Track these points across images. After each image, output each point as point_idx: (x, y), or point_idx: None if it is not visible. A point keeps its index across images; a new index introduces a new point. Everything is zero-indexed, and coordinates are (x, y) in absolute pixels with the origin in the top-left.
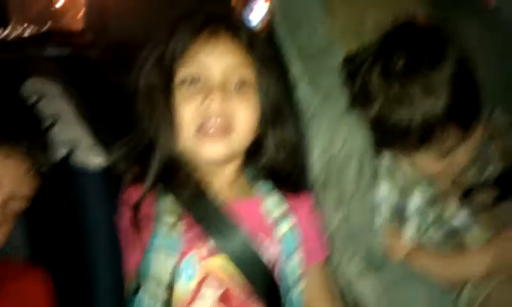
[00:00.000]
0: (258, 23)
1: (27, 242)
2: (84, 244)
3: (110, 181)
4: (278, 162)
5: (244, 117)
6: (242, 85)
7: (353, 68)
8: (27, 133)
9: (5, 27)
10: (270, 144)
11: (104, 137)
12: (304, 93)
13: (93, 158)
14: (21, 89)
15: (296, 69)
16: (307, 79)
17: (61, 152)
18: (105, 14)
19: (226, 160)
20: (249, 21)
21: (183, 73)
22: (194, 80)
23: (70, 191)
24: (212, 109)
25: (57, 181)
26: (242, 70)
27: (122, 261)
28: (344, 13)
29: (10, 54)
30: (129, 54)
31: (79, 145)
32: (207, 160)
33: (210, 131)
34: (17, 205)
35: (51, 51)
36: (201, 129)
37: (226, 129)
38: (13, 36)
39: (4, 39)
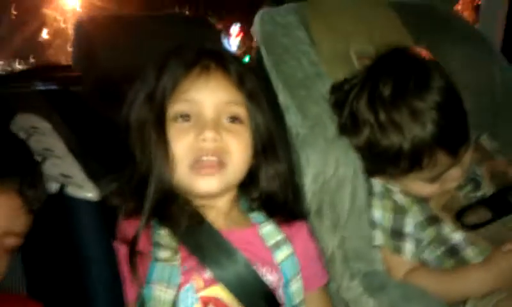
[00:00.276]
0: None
1: (23, 278)
2: (81, 278)
3: (104, 214)
4: (272, 193)
5: (237, 151)
6: (234, 119)
7: (341, 96)
8: (20, 169)
9: None
10: (263, 175)
11: (95, 171)
12: (293, 121)
13: (85, 192)
14: (10, 124)
15: (284, 98)
16: (295, 108)
17: (54, 187)
18: (94, 48)
19: (221, 193)
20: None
21: (174, 109)
22: (186, 116)
23: (63, 226)
24: (205, 148)
25: (50, 216)
26: (234, 105)
27: (122, 294)
28: (328, 43)
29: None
30: (119, 89)
31: (71, 179)
32: (201, 194)
33: (204, 167)
34: (12, 242)
35: (40, 86)
36: (194, 165)
37: (219, 164)
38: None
39: None
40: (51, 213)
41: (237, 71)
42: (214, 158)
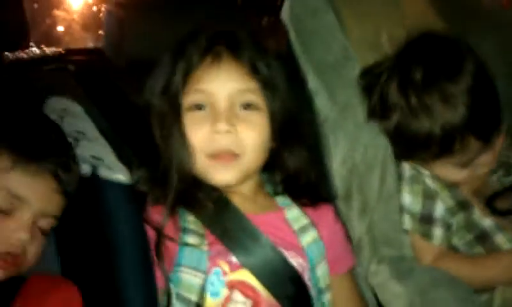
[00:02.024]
0: None
1: (57, 260)
2: (114, 259)
3: (135, 196)
4: (295, 175)
5: (252, 140)
6: (248, 107)
7: (370, 80)
8: (54, 152)
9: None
10: (285, 158)
11: (126, 154)
12: (323, 105)
13: (116, 174)
14: (43, 107)
15: (313, 82)
16: (325, 92)
17: (86, 169)
18: (124, 32)
19: (241, 181)
20: None
21: (189, 100)
22: (200, 107)
23: (96, 207)
24: (219, 140)
25: (83, 198)
26: (247, 93)
27: (153, 275)
28: (358, 28)
29: (32, 73)
30: (149, 73)
31: (103, 162)
32: (220, 184)
33: (220, 159)
34: (46, 223)
35: (71, 69)
36: (210, 156)
37: (234, 156)
38: (33, 55)
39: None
40: (84, 195)
41: (251, 57)
42: (228, 150)
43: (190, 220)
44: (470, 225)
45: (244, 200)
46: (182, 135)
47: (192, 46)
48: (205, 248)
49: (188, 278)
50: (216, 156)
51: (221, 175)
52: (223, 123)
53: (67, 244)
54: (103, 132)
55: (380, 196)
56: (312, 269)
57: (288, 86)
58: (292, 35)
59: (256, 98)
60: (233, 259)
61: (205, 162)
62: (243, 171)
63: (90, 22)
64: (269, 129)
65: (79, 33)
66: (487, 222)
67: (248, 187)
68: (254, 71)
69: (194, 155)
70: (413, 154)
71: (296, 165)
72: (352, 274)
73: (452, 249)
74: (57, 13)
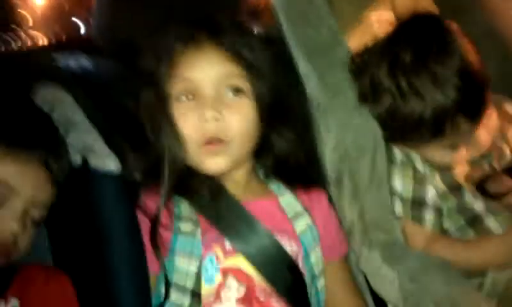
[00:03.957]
0: None
1: (49, 249)
2: (105, 249)
3: (126, 186)
4: (285, 158)
5: (239, 126)
6: (236, 92)
7: (361, 64)
8: (44, 141)
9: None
10: (274, 142)
11: (117, 143)
12: (313, 89)
13: (107, 164)
14: (34, 97)
15: (303, 66)
16: (315, 76)
17: (76, 159)
18: (115, 18)
19: (232, 168)
20: None
21: (175, 90)
22: (187, 96)
23: (87, 197)
24: (208, 128)
25: (74, 188)
26: (232, 77)
27: (145, 266)
28: (348, 9)
29: (22, 63)
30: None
31: (94, 152)
32: (211, 172)
33: (209, 146)
34: (37, 213)
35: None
36: (200, 144)
37: (223, 143)
38: (23, 45)
39: (16, 50)
40: (74, 185)
41: (233, 42)
42: (216, 137)
43: (184, 208)
44: (461, 209)
45: (238, 187)
46: (172, 126)
47: (174, 35)
48: (199, 235)
49: (183, 265)
50: (205, 144)
51: (211, 163)
52: (210, 110)
53: (58, 234)
54: (93, 122)
55: (371, 181)
56: (306, 255)
57: (276, 69)
58: (281, 18)
59: (242, 82)
60: (227, 245)
61: (196, 151)
62: (233, 156)
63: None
64: (256, 113)
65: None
66: (478, 205)
67: (240, 174)
68: (237, 56)
69: (186, 144)
70: (404, 137)
71: (285, 149)
72: (346, 259)
73: (443, 233)
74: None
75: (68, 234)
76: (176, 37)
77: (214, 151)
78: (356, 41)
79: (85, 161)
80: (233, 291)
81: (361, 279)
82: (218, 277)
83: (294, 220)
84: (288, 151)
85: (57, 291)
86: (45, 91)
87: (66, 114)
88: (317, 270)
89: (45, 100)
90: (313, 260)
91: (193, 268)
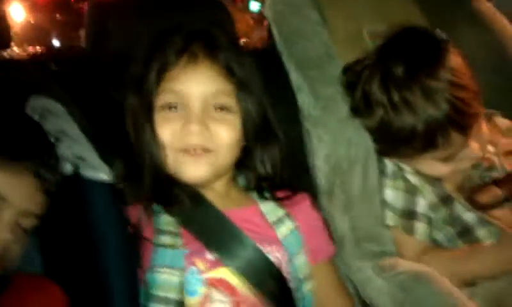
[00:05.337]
0: None
1: (40, 259)
2: (97, 258)
3: (117, 195)
4: (266, 176)
5: (225, 139)
6: (221, 108)
7: (353, 77)
8: (35, 151)
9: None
10: (256, 159)
11: (107, 153)
12: (305, 101)
13: (99, 173)
14: (24, 107)
15: (296, 79)
16: (307, 89)
17: (67, 168)
18: (107, 28)
19: (213, 178)
20: None
21: (162, 99)
22: (173, 107)
23: (78, 206)
24: (190, 141)
25: (65, 197)
26: (221, 95)
27: (136, 274)
28: (340, 23)
29: (12, 73)
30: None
31: (85, 161)
32: (192, 180)
33: (191, 154)
34: (28, 223)
35: (53, 68)
36: (181, 151)
37: (207, 150)
38: (15, 55)
39: (7, 59)
40: (66, 194)
41: (227, 58)
42: (200, 145)
43: (165, 221)
44: (452, 220)
45: (218, 196)
46: (153, 133)
47: (168, 45)
48: (181, 247)
49: (165, 277)
50: (187, 151)
51: (192, 170)
52: (196, 125)
53: (50, 243)
54: (84, 131)
55: (363, 193)
56: (290, 260)
57: (265, 84)
58: (275, 31)
59: (230, 100)
60: (209, 256)
61: (176, 158)
62: (214, 166)
63: None
64: (241, 129)
65: None
66: (469, 216)
67: (220, 183)
68: (230, 73)
69: (165, 151)
70: (396, 150)
71: (269, 166)
72: (333, 262)
73: (434, 243)
74: None
75: (60, 243)
76: (170, 47)
77: (195, 159)
78: (350, 55)
79: (76, 170)
80: (219, 304)
81: (351, 290)
82: (202, 290)
83: (276, 226)
84: (269, 170)
85: (49, 301)
86: (36, 100)
87: (57, 123)
88: (302, 274)
89: (37, 110)
90: (297, 265)
91: (176, 279)
